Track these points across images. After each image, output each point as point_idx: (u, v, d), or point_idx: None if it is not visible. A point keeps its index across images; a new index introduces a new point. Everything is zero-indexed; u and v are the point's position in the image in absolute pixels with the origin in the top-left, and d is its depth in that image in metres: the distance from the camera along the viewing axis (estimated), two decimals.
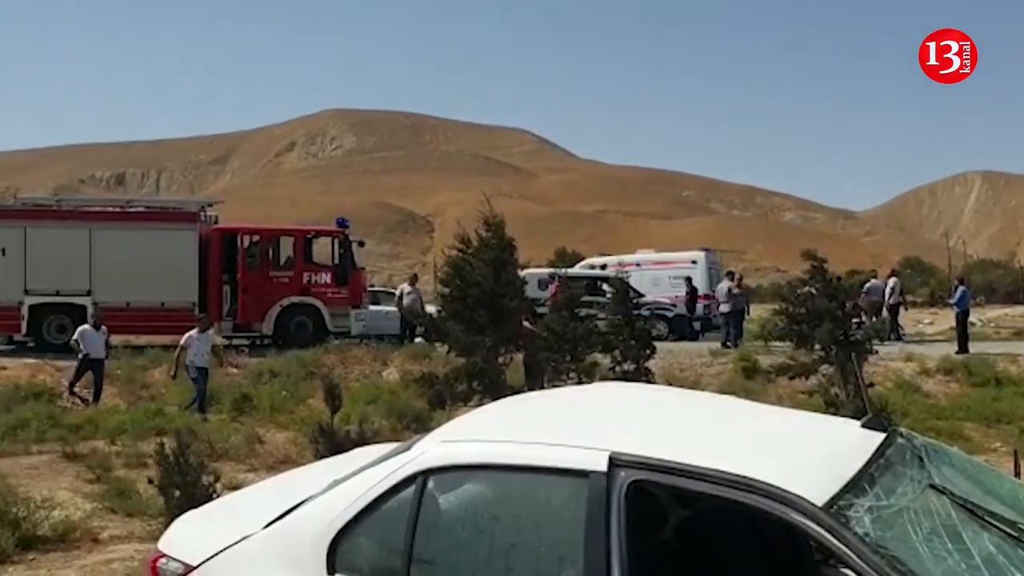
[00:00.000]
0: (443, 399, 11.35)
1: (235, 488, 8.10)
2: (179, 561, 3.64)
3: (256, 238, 21.06)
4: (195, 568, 3.57)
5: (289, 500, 3.73)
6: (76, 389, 15.79)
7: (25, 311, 19.07)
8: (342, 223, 21.35)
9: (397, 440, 9.48)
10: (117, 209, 21.46)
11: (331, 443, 10.00)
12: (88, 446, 11.62)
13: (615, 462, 3.00)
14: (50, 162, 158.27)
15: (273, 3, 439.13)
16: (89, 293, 19.31)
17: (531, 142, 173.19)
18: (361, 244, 22.53)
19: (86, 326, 15.97)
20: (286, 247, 21.12)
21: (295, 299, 20.23)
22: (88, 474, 10.12)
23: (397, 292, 22.62)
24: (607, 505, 2.95)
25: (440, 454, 3.37)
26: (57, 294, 19.31)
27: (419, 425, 13.02)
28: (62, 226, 19.65)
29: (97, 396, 15.56)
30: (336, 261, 20.83)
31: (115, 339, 20.38)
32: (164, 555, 3.73)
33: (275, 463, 10.75)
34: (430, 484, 3.31)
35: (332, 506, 3.47)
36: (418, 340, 20.98)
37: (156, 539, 7.07)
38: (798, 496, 2.74)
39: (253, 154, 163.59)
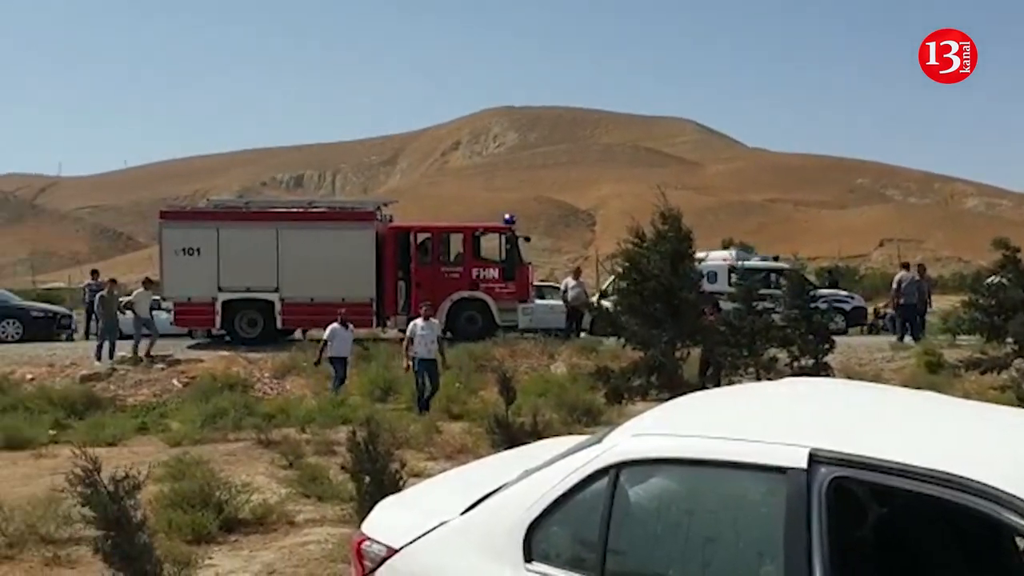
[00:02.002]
0: (619, 394, 11.33)
1: (418, 476, 8.43)
2: (382, 544, 3.84)
3: (428, 236, 21.67)
4: (397, 551, 3.76)
5: (482, 488, 3.87)
6: (338, 388, 15.59)
7: (219, 307, 20.35)
8: (509, 219, 21.69)
9: (569, 433, 9.65)
10: (301, 210, 22.61)
11: (507, 434, 10.20)
12: (280, 434, 12.31)
13: (815, 458, 2.97)
14: (235, 166, 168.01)
15: (435, 8, 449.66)
16: (276, 289, 20.43)
17: (694, 131, 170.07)
18: (527, 239, 22.84)
19: (336, 324, 15.87)
20: (456, 244, 21.64)
21: (465, 294, 20.73)
22: (282, 460, 10.71)
23: (561, 286, 22.79)
24: (807, 502, 2.92)
25: (632, 447, 3.42)
26: (247, 291, 20.49)
27: (590, 419, 13.14)
28: (251, 227, 20.85)
29: (337, 387, 15.64)
30: (503, 257, 21.20)
31: (299, 333, 21.63)
32: (368, 538, 3.94)
33: (453, 452, 11.08)
34: (622, 477, 3.37)
35: (526, 496, 3.58)
36: (584, 334, 21.16)
37: (348, 523, 7.50)
38: (1015, 496, 2.63)
39: (420, 154, 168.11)
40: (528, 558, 3.44)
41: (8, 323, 22.34)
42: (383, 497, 6.00)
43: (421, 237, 21.49)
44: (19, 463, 11.36)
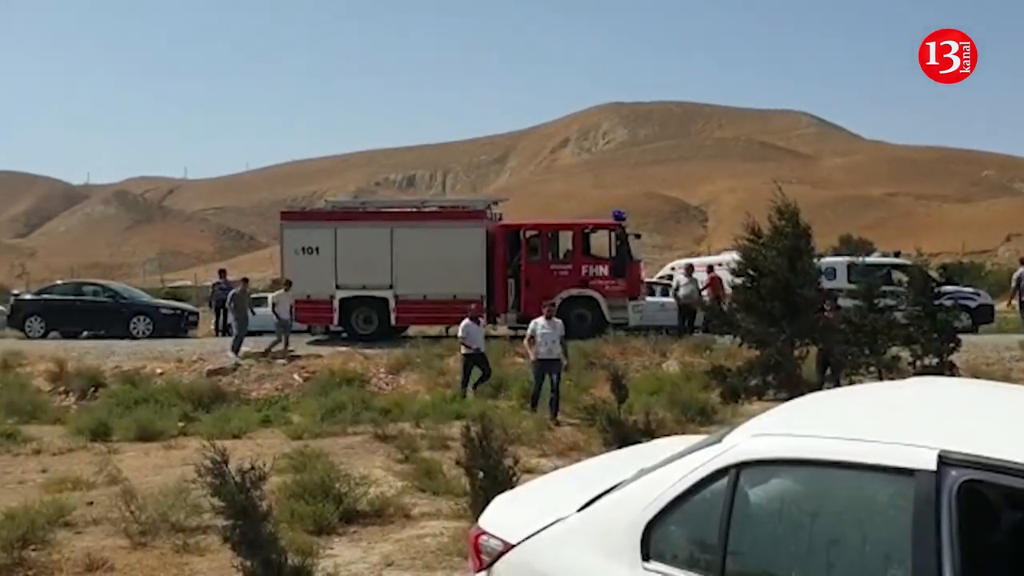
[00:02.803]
0: (736, 393, 11.13)
1: (530, 472, 8.48)
2: (499, 539, 3.89)
3: (537, 233, 21.74)
4: (514, 547, 3.81)
5: (598, 486, 3.88)
6: (468, 389, 15.37)
7: (336, 304, 20.89)
8: (619, 216, 21.55)
9: (682, 432, 9.55)
10: (414, 209, 23.01)
11: (619, 432, 10.18)
12: (396, 428, 12.58)
13: (945, 460, 2.88)
14: (350, 167, 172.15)
15: (543, 5, 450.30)
16: (391, 287, 20.86)
17: (810, 124, 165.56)
18: (637, 236, 22.66)
19: (468, 321, 15.55)
20: (565, 241, 21.64)
21: (574, 291, 20.70)
22: (397, 454, 10.93)
23: (673, 283, 22.52)
24: (936, 505, 2.83)
25: (752, 448, 3.37)
26: (363, 288, 20.98)
27: (703, 418, 12.97)
28: (366, 226, 21.32)
29: (478, 384, 15.43)
30: (613, 253, 21.07)
31: (412, 329, 22.04)
32: (485, 533, 4.00)
33: (564, 449, 11.10)
34: (742, 477, 3.33)
35: (643, 494, 3.57)
36: (697, 331, 20.84)
37: (462, 517, 7.61)
38: None
39: (529, 152, 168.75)
40: (646, 557, 3.43)
41: (139, 320, 23.44)
42: (497, 492, 6.08)
43: (530, 235, 21.57)
44: (151, 454, 11.93)
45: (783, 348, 10.43)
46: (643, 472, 3.74)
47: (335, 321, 21.22)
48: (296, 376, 17.90)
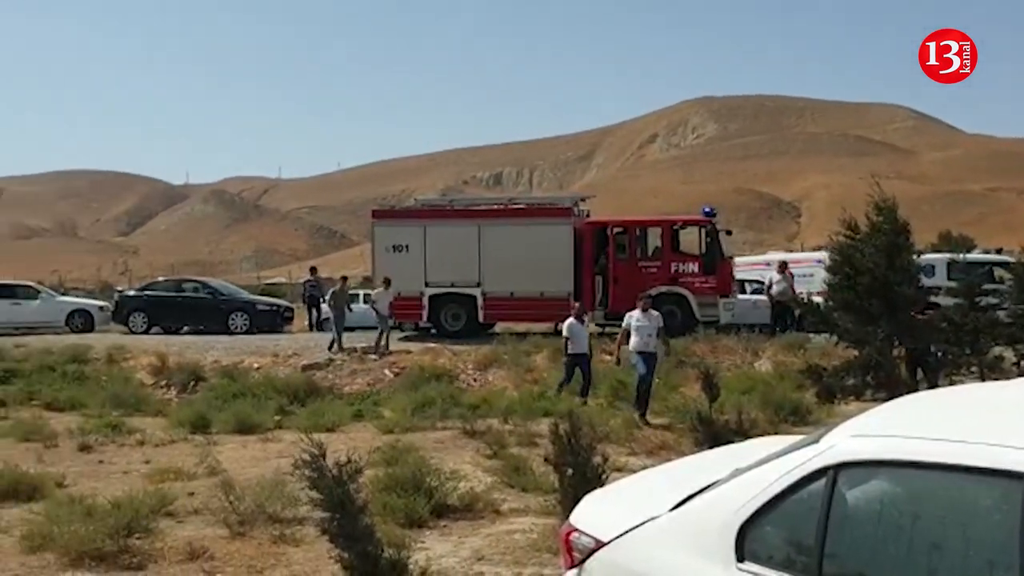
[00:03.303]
0: (832, 393, 10.87)
1: (619, 470, 8.44)
2: (590, 536, 3.89)
3: (625, 230, 21.61)
4: (605, 544, 3.80)
5: (691, 485, 3.84)
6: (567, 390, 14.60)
7: (425, 301, 21.14)
8: (709, 212, 21.28)
9: (775, 432, 9.38)
10: (501, 207, 23.13)
11: (710, 432, 10.05)
12: (484, 424, 12.68)
13: None
14: (437, 166, 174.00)
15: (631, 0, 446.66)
16: (479, 284, 21.02)
17: (908, 118, 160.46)
18: (728, 233, 22.32)
19: (572, 320, 14.81)
20: (654, 238, 21.46)
21: (663, 288, 20.50)
22: (486, 450, 11.02)
23: (766, 281, 22.12)
24: None
25: (852, 448, 3.30)
26: (452, 286, 21.20)
27: (797, 418, 12.72)
28: (455, 224, 21.55)
29: (585, 391, 14.60)
30: (704, 250, 20.81)
31: (499, 326, 22.16)
32: (576, 530, 4.00)
33: (654, 448, 11.02)
34: (841, 478, 3.26)
35: (738, 494, 3.52)
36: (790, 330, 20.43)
37: (551, 514, 7.62)
38: None
39: (616, 148, 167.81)
40: (740, 558, 3.39)
41: (237, 316, 24.13)
42: (586, 490, 6.07)
43: (618, 231, 21.45)
44: (248, 446, 12.27)
45: (881, 347, 10.13)
46: (738, 472, 3.70)
47: (424, 318, 21.47)
48: (387, 372, 18.19)
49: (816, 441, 3.51)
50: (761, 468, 3.58)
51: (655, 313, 13.82)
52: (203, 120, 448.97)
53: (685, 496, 3.74)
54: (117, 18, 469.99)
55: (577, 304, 15.81)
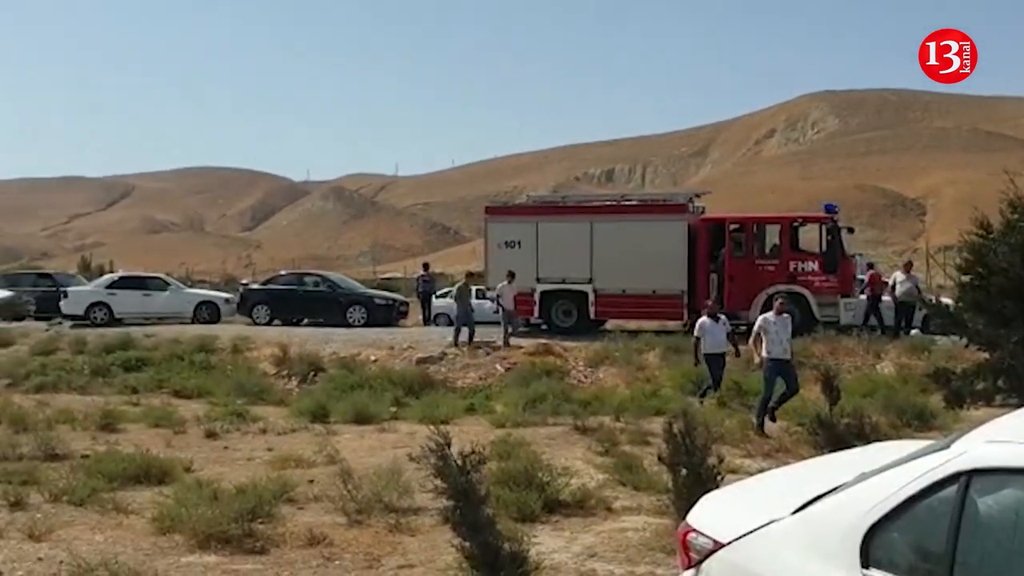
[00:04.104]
0: (960, 397, 10.41)
1: (734, 472, 8.31)
2: (708, 537, 3.85)
3: (742, 227, 21.19)
4: (724, 546, 3.75)
5: (813, 489, 3.75)
6: (705, 397, 13.97)
7: (537, 297, 21.21)
8: (830, 209, 20.69)
9: (898, 437, 9.04)
10: (614, 203, 23.01)
11: (830, 435, 9.78)
12: (596, 421, 12.65)
13: None
14: (549, 162, 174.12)
15: None
16: (590, 281, 20.96)
17: None
18: (850, 230, 21.66)
19: (704, 318, 14.22)
20: (772, 235, 21.01)
21: (781, 287, 20.01)
22: (598, 447, 11.01)
23: (890, 280, 21.37)
24: None
25: (986, 454, 3.18)
26: (563, 282, 21.21)
27: (921, 423, 12.28)
28: (567, 220, 21.57)
29: (703, 393, 14.11)
30: (824, 248, 20.25)
31: (610, 323, 22.07)
32: (694, 530, 3.96)
33: (770, 451, 10.81)
34: (973, 485, 3.15)
35: (863, 499, 3.44)
36: (914, 332, 19.70)
37: (664, 514, 7.56)
38: None
39: (732, 144, 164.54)
40: (865, 564, 3.32)
41: (355, 309, 24.71)
42: (700, 491, 6.00)
43: (735, 228, 21.05)
44: (365, 436, 12.59)
45: (1015, 351, 9.62)
46: (864, 476, 3.61)
47: (536, 313, 21.55)
48: (498, 367, 18.34)
49: (947, 446, 3.41)
50: (888, 473, 3.49)
51: (788, 316, 13.02)
52: (324, 118, 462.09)
53: (808, 499, 3.66)
54: (244, 21, 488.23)
55: (710, 301, 15.30)
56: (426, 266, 28.85)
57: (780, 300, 13.23)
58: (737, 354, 14.36)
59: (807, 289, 19.86)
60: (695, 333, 14.27)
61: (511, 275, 20.01)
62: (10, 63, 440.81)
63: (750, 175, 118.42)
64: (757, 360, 12.79)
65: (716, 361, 13.99)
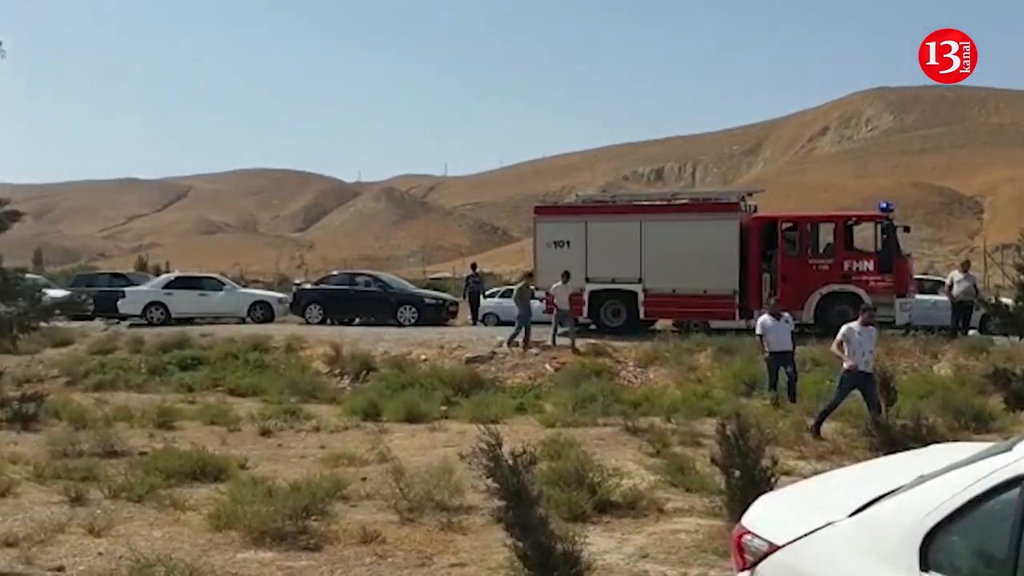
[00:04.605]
0: (1021, 399, 10.19)
1: (787, 474, 8.21)
2: (763, 539, 3.81)
3: (795, 225, 20.91)
4: (780, 548, 3.72)
5: (871, 491, 3.70)
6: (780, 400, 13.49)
7: (586, 296, 21.14)
8: (885, 207, 20.31)
9: (955, 439, 8.87)
10: (664, 202, 22.85)
11: (885, 437, 9.63)
12: (646, 422, 12.58)
13: None
14: (598, 161, 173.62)
15: None
16: (640, 281, 20.84)
17: None
18: (906, 229, 21.28)
19: (765, 316, 14.07)
20: (826, 234, 20.69)
21: (835, 287, 19.77)
22: (648, 448, 10.95)
23: (947, 280, 20.96)
24: None
25: None
26: (612, 282, 21.11)
27: (979, 425, 12.06)
28: (616, 220, 21.46)
29: (792, 394, 13.68)
30: (879, 247, 19.90)
31: (659, 323, 21.92)
32: (749, 532, 3.93)
33: (824, 453, 10.66)
34: None
35: (923, 502, 3.40)
36: (972, 332, 19.30)
37: (716, 515, 7.50)
38: None
39: (784, 142, 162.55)
40: (924, 567, 3.27)
41: (405, 309, 24.89)
42: (753, 492, 5.94)
43: (787, 227, 20.77)
44: (416, 435, 12.67)
45: None
46: (923, 478, 3.56)
47: (584, 313, 21.47)
48: (548, 366, 18.32)
49: (1009, 449, 3.35)
50: (948, 475, 3.44)
51: (874, 328, 12.30)
52: (375, 120, 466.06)
53: (866, 501, 3.62)
54: (298, 25, 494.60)
55: (773, 300, 14.94)
56: (474, 266, 29.05)
57: (867, 311, 12.54)
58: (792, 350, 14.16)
59: (862, 289, 19.54)
60: (757, 331, 14.16)
61: (566, 275, 19.90)
62: (71, 69, 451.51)
63: (803, 173, 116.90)
64: (848, 364, 11.80)
65: (780, 360, 13.82)
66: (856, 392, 11.87)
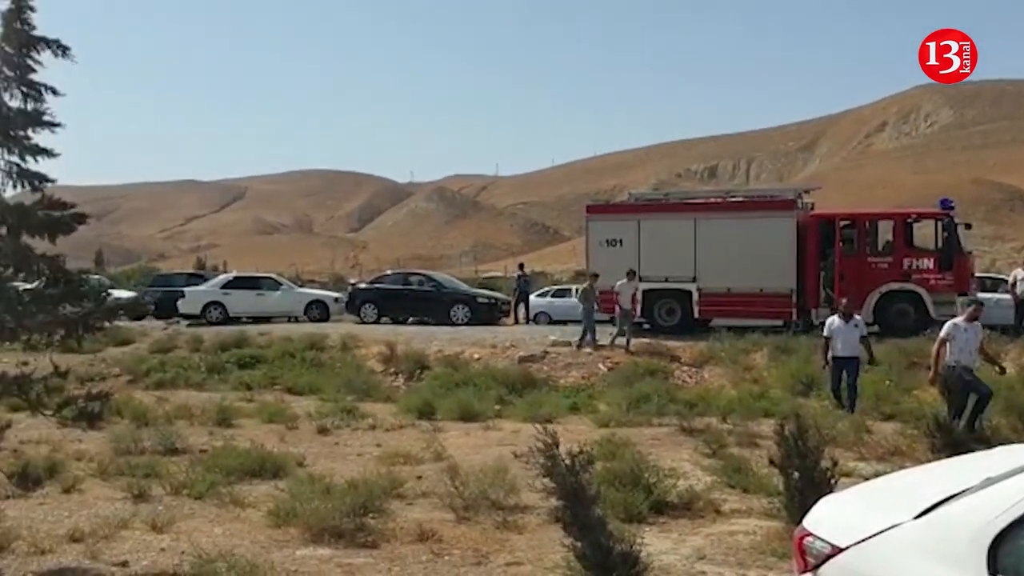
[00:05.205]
0: None
1: (847, 475, 8.09)
2: (826, 541, 3.77)
3: (853, 223, 20.58)
4: (843, 550, 3.66)
5: (937, 492, 3.64)
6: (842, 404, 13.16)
7: (639, 295, 21.01)
8: (946, 204, 19.91)
9: (1021, 440, 8.64)
10: (718, 200, 22.64)
11: (948, 439, 9.45)
12: (702, 422, 12.49)
13: None
14: (650, 159, 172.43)
15: None
16: (694, 279, 20.68)
17: None
18: (967, 226, 20.81)
19: (834, 317, 13.69)
20: (885, 232, 20.35)
21: (895, 285, 19.43)
22: (704, 448, 10.86)
23: (1010, 278, 20.48)
24: None
25: None
26: (666, 280, 20.98)
27: None
28: (670, 218, 21.31)
29: (851, 404, 13.16)
30: (939, 245, 19.53)
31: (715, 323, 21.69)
32: (810, 534, 3.88)
33: (884, 454, 10.47)
34: None
35: (992, 504, 3.35)
36: None
37: (775, 517, 7.41)
38: None
39: (841, 138, 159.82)
40: (992, 571, 3.20)
41: (458, 308, 25.03)
42: (813, 494, 5.86)
43: (845, 225, 20.46)
44: (470, 434, 12.72)
45: None
46: (991, 480, 3.49)
47: (638, 312, 21.35)
48: (601, 366, 18.27)
49: None
50: (1017, 477, 3.38)
51: (978, 324, 11.78)
52: (427, 121, 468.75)
53: (932, 503, 3.55)
54: (352, 29, 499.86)
55: (844, 300, 14.28)
56: (521, 266, 29.40)
57: (974, 306, 12.09)
58: (871, 360, 13.79)
59: (922, 287, 19.21)
60: (824, 333, 13.75)
61: (631, 273, 19.82)
62: (131, 72, 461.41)
63: (860, 170, 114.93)
64: (932, 374, 11.52)
65: (846, 365, 13.28)
66: (942, 396, 11.40)
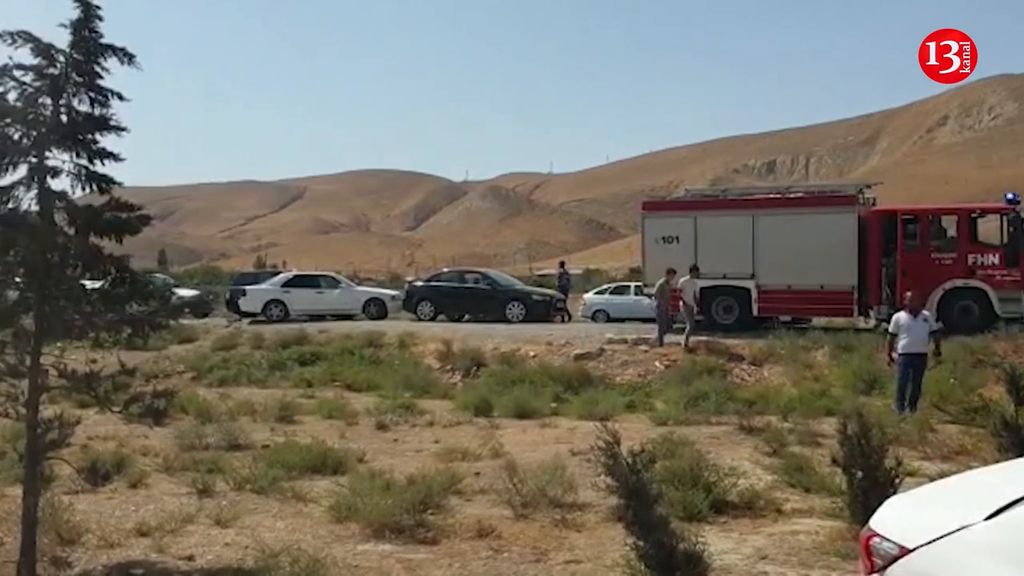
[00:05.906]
0: None
1: (911, 475, 7.94)
2: (893, 542, 3.71)
3: (915, 218, 20.16)
4: (911, 551, 3.61)
5: (1008, 493, 3.57)
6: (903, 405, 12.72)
7: (696, 293, 20.80)
8: (1012, 199, 19.39)
9: None
10: (777, 196, 22.34)
11: (1015, 438, 9.20)
12: (762, 420, 12.35)
13: None
14: (707, 155, 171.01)
15: None
16: (752, 276, 20.44)
17: None
18: None
19: (902, 313, 13.26)
20: (949, 227, 19.89)
21: (959, 282, 18.98)
22: (765, 447, 10.74)
23: None
24: None
25: None
26: (724, 277, 20.76)
27: None
28: (727, 214, 21.10)
29: (913, 402, 12.82)
30: (1005, 241, 19.03)
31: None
32: (877, 535, 3.82)
33: (949, 453, 10.26)
34: None
35: None
36: None
37: (837, 517, 7.32)
38: None
39: (902, 132, 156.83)
40: None
41: (514, 306, 25.11)
42: (876, 494, 5.77)
43: (908, 220, 20.04)
44: (527, 431, 12.75)
45: None
46: None
47: (696, 310, 21.17)
48: (658, 364, 18.15)
49: None
50: None
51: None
52: (481, 120, 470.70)
53: (1003, 504, 3.48)
54: (408, 32, 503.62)
55: (910, 294, 13.82)
56: (562, 264, 29.64)
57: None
58: (938, 355, 13.48)
59: (987, 284, 18.74)
60: (890, 329, 13.47)
61: (694, 269, 19.68)
62: (192, 75, 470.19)
63: (922, 164, 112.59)
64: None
65: (913, 362, 12.89)
66: (1009, 394, 11.08)
